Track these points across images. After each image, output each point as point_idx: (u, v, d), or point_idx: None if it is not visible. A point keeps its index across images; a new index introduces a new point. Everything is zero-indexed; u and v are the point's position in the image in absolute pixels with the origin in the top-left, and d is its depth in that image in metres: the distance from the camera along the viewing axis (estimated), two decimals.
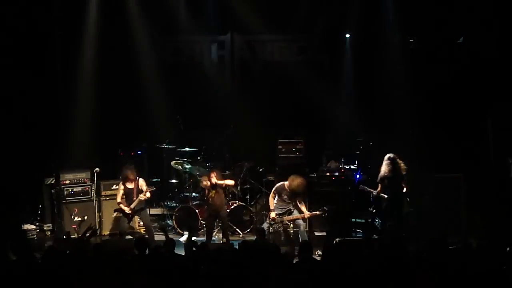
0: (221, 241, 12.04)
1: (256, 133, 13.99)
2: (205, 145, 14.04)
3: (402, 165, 11.56)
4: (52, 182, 12.93)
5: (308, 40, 14.92)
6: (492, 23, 12.76)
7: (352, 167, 13.42)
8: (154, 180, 13.85)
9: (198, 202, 13.24)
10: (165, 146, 13.89)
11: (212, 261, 7.85)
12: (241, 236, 12.91)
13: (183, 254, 9.13)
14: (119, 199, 11.82)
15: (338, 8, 14.21)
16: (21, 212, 12.59)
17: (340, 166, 13.23)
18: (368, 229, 12.28)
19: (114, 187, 12.75)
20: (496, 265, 7.56)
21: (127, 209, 11.70)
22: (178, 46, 15.07)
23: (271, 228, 11.52)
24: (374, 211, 12.32)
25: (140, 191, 11.76)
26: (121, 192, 11.79)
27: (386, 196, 11.71)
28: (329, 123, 14.43)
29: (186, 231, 12.70)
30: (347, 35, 14.68)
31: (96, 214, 12.87)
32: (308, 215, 11.58)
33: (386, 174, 11.54)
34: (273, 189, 11.73)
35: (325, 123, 14.45)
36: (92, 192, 12.83)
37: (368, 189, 11.94)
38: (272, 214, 11.51)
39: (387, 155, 11.62)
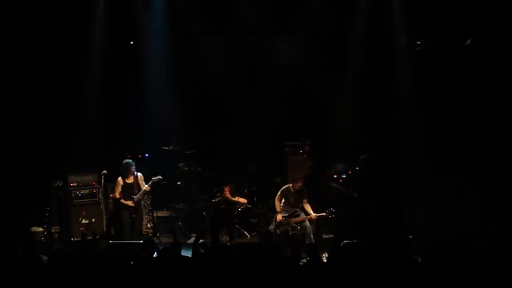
0: (228, 244, 12.06)
1: (263, 135, 14.00)
2: (212, 147, 14.05)
3: None
4: (60, 184, 12.98)
5: (315, 43, 14.91)
6: (499, 25, 12.72)
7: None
8: (161, 182, 13.88)
9: (204, 204, 13.26)
10: (173, 149, 13.90)
11: (218, 264, 7.87)
12: (248, 238, 12.92)
13: (190, 256, 9.14)
14: (117, 194, 11.85)
15: (345, 11, 14.19)
16: (29, 214, 12.62)
17: (347, 168, 13.24)
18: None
19: None
20: (503, 268, 7.54)
21: (130, 203, 11.75)
22: (186, 48, 15.08)
23: (277, 230, 11.53)
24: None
25: (139, 185, 11.83)
26: (120, 187, 11.83)
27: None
28: (336, 125, 14.41)
29: (193, 233, 12.72)
30: (355, 38, 14.66)
31: (104, 216, 12.90)
32: (315, 217, 11.58)
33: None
34: (279, 191, 11.74)
35: (332, 125, 14.44)
36: (100, 195, 12.85)
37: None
38: (279, 216, 11.52)
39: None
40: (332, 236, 12.80)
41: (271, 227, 11.64)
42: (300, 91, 14.52)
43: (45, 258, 8.81)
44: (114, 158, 13.06)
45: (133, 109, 14.34)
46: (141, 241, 10.95)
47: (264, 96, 14.64)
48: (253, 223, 13.15)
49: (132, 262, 8.10)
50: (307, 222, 11.58)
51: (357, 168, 13.01)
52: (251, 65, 15.21)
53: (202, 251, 8.91)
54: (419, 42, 13.72)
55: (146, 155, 14.45)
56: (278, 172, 13.69)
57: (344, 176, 13.17)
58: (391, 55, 13.92)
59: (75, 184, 12.85)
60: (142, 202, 13.20)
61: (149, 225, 13.46)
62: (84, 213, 12.70)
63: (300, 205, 11.60)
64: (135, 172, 11.97)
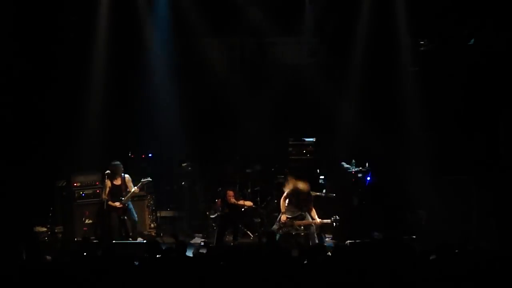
0: (231, 244, 12.06)
1: (267, 135, 14.00)
2: (216, 147, 14.05)
3: None
4: (64, 184, 12.99)
5: (318, 43, 14.89)
6: (503, 24, 12.70)
7: (363, 169, 13.39)
8: (164, 182, 13.94)
9: (208, 204, 13.27)
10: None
11: (222, 263, 7.87)
12: (251, 238, 12.92)
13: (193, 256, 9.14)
14: (105, 196, 11.87)
15: (349, 10, 14.18)
16: (33, 214, 12.63)
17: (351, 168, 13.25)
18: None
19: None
20: (508, 269, 7.52)
21: (118, 204, 11.76)
22: (189, 48, 15.07)
23: (280, 231, 11.52)
24: None
25: (126, 187, 11.84)
26: (108, 189, 11.85)
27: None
28: (339, 125, 14.39)
29: (196, 233, 12.73)
30: (359, 38, 14.64)
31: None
32: (319, 223, 11.57)
33: None
34: (285, 192, 11.72)
35: (335, 125, 14.42)
36: (103, 195, 12.86)
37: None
38: (283, 217, 11.51)
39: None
40: (332, 237, 12.82)
41: (275, 227, 11.63)
42: (303, 91, 14.49)
43: (48, 258, 8.84)
44: (117, 158, 13.04)
45: (137, 109, 14.33)
46: (145, 241, 11.00)
47: (267, 96, 14.63)
48: (256, 223, 13.14)
49: (136, 262, 8.11)
50: (312, 224, 11.56)
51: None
52: (254, 65, 15.20)
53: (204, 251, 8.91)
54: (422, 42, 13.70)
55: (149, 155, 14.45)
56: (282, 172, 13.67)
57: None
58: (395, 55, 13.90)
59: (78, 184, 12.87)
60: (146, 201, 13.25)
61: (152, 225, 13.46)
62: (87, 213, 12.71)
63: (305, 208, 11.58)
64: (123, 174, 12.00)
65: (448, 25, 13.28)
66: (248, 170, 13.57)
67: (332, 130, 14.28)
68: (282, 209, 11.60)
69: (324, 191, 11.85)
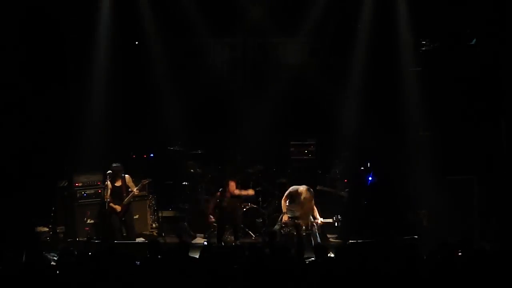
0: (233, 244, 12.05)
1: (268, 135, 14.00)
2: (217, 147, 14.05)
3: None
4: (65, 184, 12.99)
5: (320, 43, 14.90)
6: (505, 24, 12.69)
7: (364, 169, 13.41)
8: (166, 182, 13.93)
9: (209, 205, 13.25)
10: (177, 149, 13.90)
11: (222, 264, 7.87)
12: (253, 238, 12.92)
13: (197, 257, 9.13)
14: (106, 197, 11.89)
15: (350, 10, 14.18)
16: (34, 214, 12.63)
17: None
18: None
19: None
20: (510, 269, 7.51)
21: (118, 208, 11.81)
22: (190, 48, 15.08)
23: (282, 231, 11.52)
24: None
25: (127, 188, 11.85)
26: (109, 190, 11.87)
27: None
28: (341, 125, 14.39)
29: (198, 233, 12.72)
30: (360, 38, 14.64)
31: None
32: (321, 223, 11.57)
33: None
34: (287, 192, 11.72)
35: (337, 125, 14.42)
36: (105, 196, 12.85)
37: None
38: (285, 217, 11.51)
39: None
40: (337, 236, 12.81)
41: (276, 227, 11.63)
42: (305, 91, 14.50)
43: (50, 257, 8.86)
44: (119, 158, 13.05)
45: (138, 109, 14.34)
46: (146, 241, 11.00)
47: (269, 96, 14.63)
48: (258, 223, 13.13)
49: (137, 262, 8.12)
50: (314, 224, 11.56)
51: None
52: (256, 65, 15.21)
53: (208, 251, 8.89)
54: (424, 42, 13.69)
55: (151, 154, 14.45)
56: (284, 172, 13.67)
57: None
58: (396, 55, 13.89)
59: (80, 184, 12.87)
60: (147, 202, 13.25)
61: (154, 225, 13.46)
62: (89, 213, 12.71)
63: (306, 207, 11.56)
64: (123, 175, 12.01)
65: (450, 25, 13.27)
66: (249, 170, 13.56)
67: (334, 130, 14.29)
68: (284, 209, 11.59)
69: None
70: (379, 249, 9.19)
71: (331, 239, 12.60)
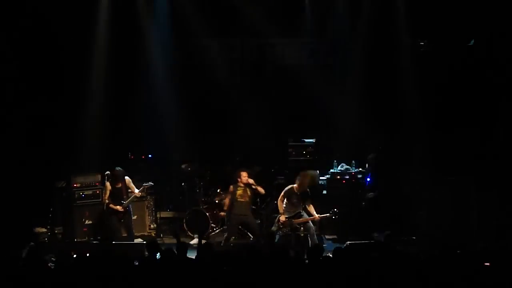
0: (231, 244, 12.04)
1: (267, 136, 14.00)
2: (215, 148, 14.04)
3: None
4: (63, 185, 12.98)
5: (319, 44, 14.90)
6: (503, 25, 12.70)
7: (363, 170, 13.39)
8: (164, 183, 13.93)
9: (208, 205, 13.24)
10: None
11: (223, 265, 7.86)
12: (251, 239, 12.91)
13: (194, 257, 9.13)
14: (105, 198, 11.88)
15: (349, 11, 14.18)
16: (33, 215, 12.62)
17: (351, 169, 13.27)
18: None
19: None
20: (508, 270, 7.52)
21: (119, 208, 11.78)
22: (188, 49, 15.07)
23: (280, 231, 11.53)
24: None
25: (127, 190, 11.84)
26: (108, 192, 11.86)
27: None
28: (339, 126, 14.39)
29: (196, 234, 12.71)
30: (359, 38, 14.65)
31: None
32: (318, 218, 11.59)
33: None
34: (282, 192, 11.73)
35: (335, 126, 14.42)
36: (104, 197, 12.86)
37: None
38: (282, 217, 11.52)
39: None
40: (335, 237, 12.81)
41: (274, 228, 11.64)
42: (303, 91, 14.49)
43: (48, 258, 8.85)
44: (117, 159, 13.06)
45: (137, 110, 14.33)
46: (145, 242, 10.99)
47: (268, 96, 14.64)
48: (256, 224, 13.12)
49: (136, 263, 8.12)
50: (311, 223, 11.58)
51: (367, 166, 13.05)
52: (254, 66, 15.20)
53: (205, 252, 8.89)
54: (422, 43, 13.70)
55: (149, 155, 14.45)
56: (282, 172, 13.66)
57: (347, 177, 13.17)
58: (395, 56, 13.90)
59: (78, 185, 12.85)
60: (145, 202, 13.25)
61: (152, 226, 13.45)
62: (87, 213, 12.71)
63: (303, 206, 11.59)
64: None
65: (448, 26, 13.28)
66: (248, 171, 13.54)
67: (332, 131, 14.28)
68: (280, 210, 11.61)
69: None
70: (377, 250, 9.17)
71: (329, 240, 12.60)
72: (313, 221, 11.61)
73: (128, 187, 12.03)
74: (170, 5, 14.30)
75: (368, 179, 13.07)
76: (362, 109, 14.11)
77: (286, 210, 11.58)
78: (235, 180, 12.28)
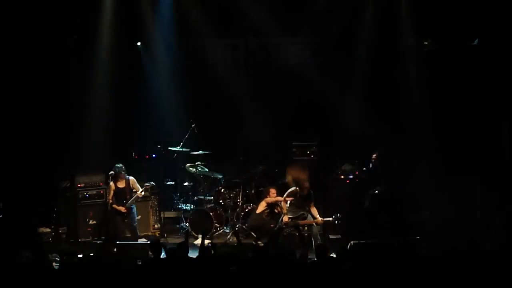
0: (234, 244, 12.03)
1: (270, 136, 13.99)
2: (219, 148, 14.04)
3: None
4: (67, 185, 12.99)
5: (322, 43, 14.89)
6: (507, 25, 12.68)
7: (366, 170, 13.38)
8: (168, 183, 13.92)
9: (212, 205, 13.23)
10: (179, 149, 13.88)
11: (226, 265, 7.86)
12: (255, 239, 12.88)
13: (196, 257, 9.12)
14: (109, 198, 11.88)
15: (353, 11, 14.17)
16: (37, 215, 12.63)
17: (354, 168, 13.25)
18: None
19: None
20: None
21: (122, 209, 11.78)
22: (192, 49, 15.08)
23: (283, 232, 11.51)
24: None
25: (131, 190, 11.84)
26: (112, 192, 11.86)
27: None
28: (343, 126, 14.38)
29: (200, 234, 12.70)
30: (363, 38, 14.63)
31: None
32: (321, 222, 11.56)
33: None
34: (286, 193, 11.72)
35: (339, 125, 14.41)
36: (108, 197, 12.86)
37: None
38: (285, 218, 11.51)
39: None
40: (339, 236, 12.79)
41: (278, 225, 11.63)
42: (307, 91, 14.50)
43: (52, 258, 8.85)
44: (121, 159, 13.06)
45: (140, 110, 14.34)
46: (149, 242, 10.99)
47: (271, 96, 14.63)
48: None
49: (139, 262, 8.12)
50: (314, 224, 11.55)
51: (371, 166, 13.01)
52: (258, 66, 15.21)
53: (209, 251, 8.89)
54: (426, 42, 13.68)
55: (153, 155, 14.45)
56: (285, 172, 13.64)
57: (351, 176, 13.16)
58: (399, 55, 13.89)
59: (82, 185, 12.85)
60: (149, 202, 13.24)
61: (156, 226, 13.46)
62: (91, 213, 12.72)
63: (306, 207, 11.57)
64: (127, 176, 11.99)
65: (452, 25, 13.26)
66: (251, 171, 13.55)
67: (336, 131, 14.27)
68: (284, 210, 11.60)
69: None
70: (381, 249, 9.16)
71: (333, 239, 12.57)
72: (316, 224, 11.59)
73: (132, 187, 12.03)
74: (174, 5, 14.29)
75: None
76: (366, 109, 14.10)
77: (289, 211, 11.57)
78: (264, 196, 12.30)
